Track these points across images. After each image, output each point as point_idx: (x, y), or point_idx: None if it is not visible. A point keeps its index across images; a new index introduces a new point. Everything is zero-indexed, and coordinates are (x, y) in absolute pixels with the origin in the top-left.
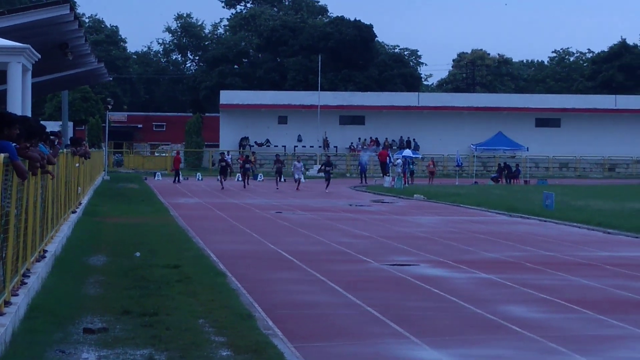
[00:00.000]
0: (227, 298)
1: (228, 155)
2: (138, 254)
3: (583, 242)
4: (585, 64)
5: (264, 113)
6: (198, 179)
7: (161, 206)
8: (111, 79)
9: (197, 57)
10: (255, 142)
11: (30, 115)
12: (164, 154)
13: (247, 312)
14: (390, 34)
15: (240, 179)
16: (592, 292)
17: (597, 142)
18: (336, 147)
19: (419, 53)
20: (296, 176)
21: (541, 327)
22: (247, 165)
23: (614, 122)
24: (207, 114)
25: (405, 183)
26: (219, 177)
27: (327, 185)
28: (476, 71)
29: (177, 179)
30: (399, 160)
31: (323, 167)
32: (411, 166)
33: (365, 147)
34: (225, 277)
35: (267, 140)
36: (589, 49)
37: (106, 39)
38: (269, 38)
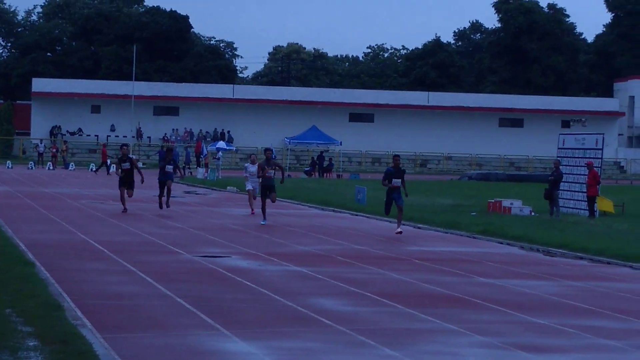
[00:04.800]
0: (35, 288)
1: (41, 143)
2: None
3: (394, 237)
4: (399, 61)
5: (77, 102)
6: (8, 167)
7: None
8: None
9: (9, 44)
10: (68, 131)
11: None
12: None
13: (55, 302)
14: (207, 25)
15: (51, 167)
16: (402, 286)
17: (409, 138)
18: (149, 137)
19: (234, 45)
20: (250, 186)
21: (351, 320)
22: (169, 167)
23: (426, 118)
24: (18, 102)
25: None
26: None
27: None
28: (292, 65)
29: (108, 170)
30: (220, 154)
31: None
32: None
33: (178, 138)
34: (34, 266)
35: (80, 130)
36: (403, 46)
37: None
38: (84, 26)
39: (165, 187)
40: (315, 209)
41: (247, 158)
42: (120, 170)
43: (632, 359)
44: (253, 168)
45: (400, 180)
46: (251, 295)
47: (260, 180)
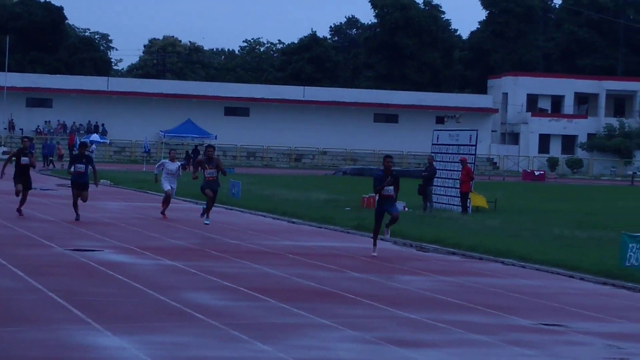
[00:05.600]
0: None
1: None
2: None
3: (268, 231)
4: (275, 55)
5: None
6: None
7: None
8: None
9: None
10: None
11: None
12: None
13: None
14: (81, 16)
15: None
16: (276, 281)
17: (284, 133)
18: (22, 129)
19: (109, 37)
20: (168, 186)
21: (224, 315)
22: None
23: (302, 113)
24: None
25: None
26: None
27: None
28: (167, 58)
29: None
30: (94, 146)
31: None
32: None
33: (51, 130)
34: None
35: None
36: (279, 40)
37: None
38: None
39: (80, 196)
40: (189, 203)
41: (122, 151)
42: (13, 159)
43: (503, 354)
44: (173, 166)
45: (392, 188)
46: (124, 289)
47: (203, 184)
